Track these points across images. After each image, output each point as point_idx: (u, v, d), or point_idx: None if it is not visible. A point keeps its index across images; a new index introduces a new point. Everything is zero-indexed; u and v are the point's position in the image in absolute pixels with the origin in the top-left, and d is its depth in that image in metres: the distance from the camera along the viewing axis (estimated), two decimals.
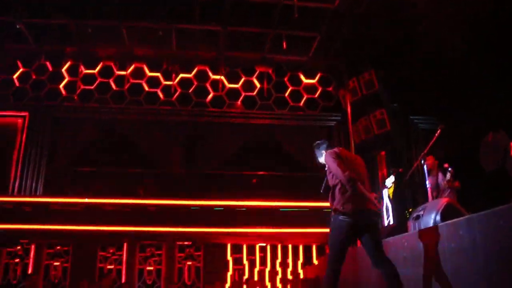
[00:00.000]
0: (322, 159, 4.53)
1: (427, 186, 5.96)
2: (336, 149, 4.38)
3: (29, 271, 11.48)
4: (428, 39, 10.35)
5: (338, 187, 4.18)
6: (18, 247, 11.98)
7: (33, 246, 11.86)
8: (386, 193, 10.19)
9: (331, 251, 4.24)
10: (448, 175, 6.80)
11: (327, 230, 8.77)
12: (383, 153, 11.98)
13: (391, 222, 9.89)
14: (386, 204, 9.98)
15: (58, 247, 12.01)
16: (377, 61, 11.43)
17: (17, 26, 11.02)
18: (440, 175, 7.11)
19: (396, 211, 9.76)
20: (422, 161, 5.92)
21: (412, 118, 12.72)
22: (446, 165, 6.94)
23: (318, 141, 4.67)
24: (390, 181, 10.01)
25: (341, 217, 4.09)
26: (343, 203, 4.08)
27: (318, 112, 13.45)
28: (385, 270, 4.03)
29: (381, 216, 4.14)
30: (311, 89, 13.65)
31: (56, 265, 11.88)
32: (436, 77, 11.06)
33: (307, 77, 13.73)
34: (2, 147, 12.56)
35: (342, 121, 12.83)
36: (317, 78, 13.75)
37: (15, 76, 13.04)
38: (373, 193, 4.27)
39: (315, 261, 11.86)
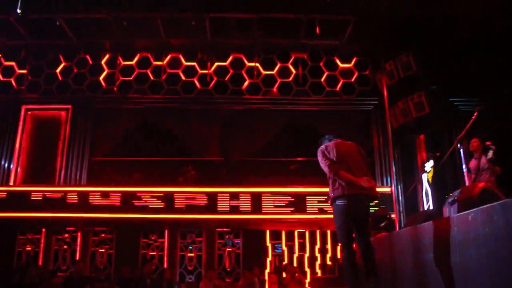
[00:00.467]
0: None
1: (464, 170, 5.80)
2: (322, 147, 4.90)
3: (77, 257, 12.01)
4: (468, 18, 9.98)
5: (330, 178, 4.73)
6: (66, 235, 12.55)
7: (79, 234, 12.40)
8: (425, 178, 9.99)
9: (339, 235, 4.71)
10: (490, 153, 6.61)
11: None
12: (422, 136, 11.68)
13: (431, 207, 9.72)
14: (426, 188, 9.78)
15: (103, 235, 12.50)
16: (414, 42, 11.10)
17: (57, 23, 11.36)
18: (483, 158, 6.91)
19: (436, 195, 9.57)
20: (459, 145, 5.77)
21: (452, 100, 12.33)
22: (488, 143, 6.74)
23: (321, 137, 5.12)
24: (429, 165, 9.79)
25: (334, 203, 4.66)
26: (333, 191, 4.66)
27: (354, 97, 13.21)
28: (362, 253, 4.65)
29: (371, 198, 4.73)
30: (347, 73, 13.42)
31: (102, 252, 12.37)
32: (477, 56, 10.68)
33: (342, 61, 13.49)
34: (49, 139, 13.07)
35: (380, 105, 12.59)
36: (353, 62, 13.50)
37: (58, 70, 13.49)
38: (363, 177, 4.59)
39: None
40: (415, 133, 11.28)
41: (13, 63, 13.57)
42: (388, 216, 8.29)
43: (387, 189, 11.75)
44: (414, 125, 10.90)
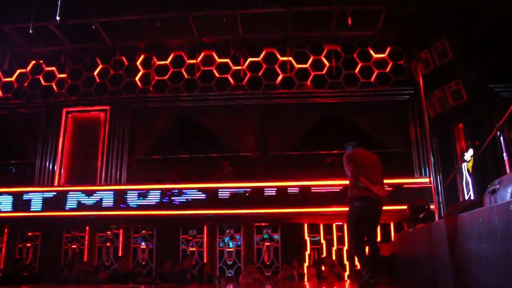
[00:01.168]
0: None
1: (505, 158, 5.64)
2: (348, 152, 5.85)
3: (119, 254, 12.36)
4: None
5: (350, 181, 5.68)
6: (109, 232, 12.92)
7: (121, 231, 12.75)
8: (465, 167, 9.75)
9: (350, 229, 5.77)
10: None
11: (405, 207, 8.67)
12: (461, 125, 11.37)
13: (472, 197, 9.50)
14: (466, 178, 9.54)
15: (144, 232, 12.82)
16: (449, 29, 10.79)
17: (93, 27, 11.67)
18: None
19: (477, 185, 9.32)
20: (499, 132, 5.62)
21: (492, 87, 11.95)
22: None
23: (346, 143, 6.14)
24: (469, 154, 9.55)
25: (351, 204, 5.58)
26: (351, 192, 5.60)
27: (390, 87, 12.99)
28: (370, 247, 5.66)
29: (381, 204, 5.73)
30: (381, 63, 13.18)
31: (143, 248, 12.69)
32: None
33: (376, 51, 13.26)
34: (89, 140, 13.47)
35: (416, 95, 12.33)
36: (387, 52, 13.24)
37: (95, 73, 13.90)
38: (378, 186, 5.53)
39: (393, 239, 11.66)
40: (453, 121, 10.96)
41: (53, 68, 14.10)
42: (427, 207, 8.17)
43: (426, 180, 11.51)
44: (452, 114, 10.58)
